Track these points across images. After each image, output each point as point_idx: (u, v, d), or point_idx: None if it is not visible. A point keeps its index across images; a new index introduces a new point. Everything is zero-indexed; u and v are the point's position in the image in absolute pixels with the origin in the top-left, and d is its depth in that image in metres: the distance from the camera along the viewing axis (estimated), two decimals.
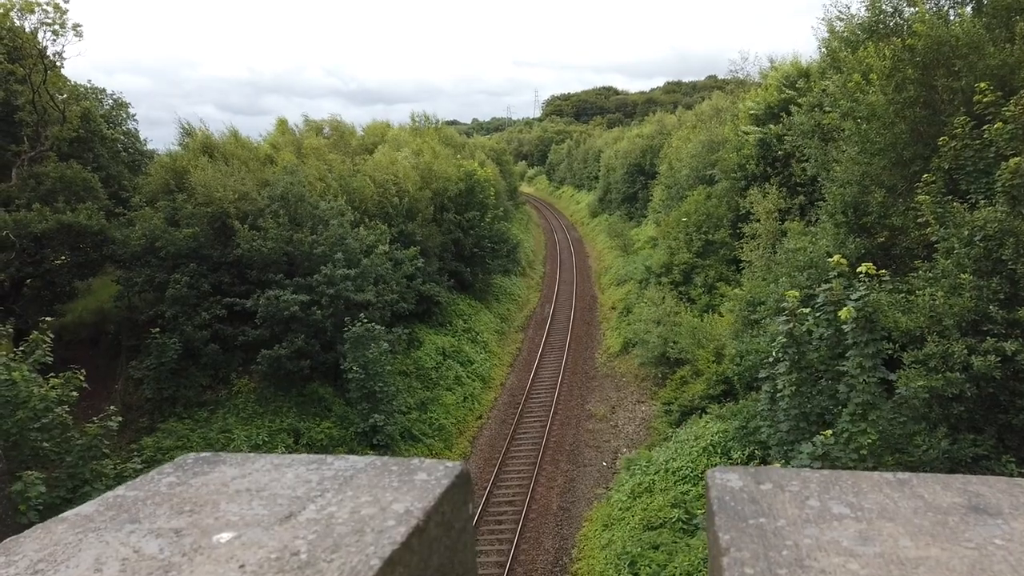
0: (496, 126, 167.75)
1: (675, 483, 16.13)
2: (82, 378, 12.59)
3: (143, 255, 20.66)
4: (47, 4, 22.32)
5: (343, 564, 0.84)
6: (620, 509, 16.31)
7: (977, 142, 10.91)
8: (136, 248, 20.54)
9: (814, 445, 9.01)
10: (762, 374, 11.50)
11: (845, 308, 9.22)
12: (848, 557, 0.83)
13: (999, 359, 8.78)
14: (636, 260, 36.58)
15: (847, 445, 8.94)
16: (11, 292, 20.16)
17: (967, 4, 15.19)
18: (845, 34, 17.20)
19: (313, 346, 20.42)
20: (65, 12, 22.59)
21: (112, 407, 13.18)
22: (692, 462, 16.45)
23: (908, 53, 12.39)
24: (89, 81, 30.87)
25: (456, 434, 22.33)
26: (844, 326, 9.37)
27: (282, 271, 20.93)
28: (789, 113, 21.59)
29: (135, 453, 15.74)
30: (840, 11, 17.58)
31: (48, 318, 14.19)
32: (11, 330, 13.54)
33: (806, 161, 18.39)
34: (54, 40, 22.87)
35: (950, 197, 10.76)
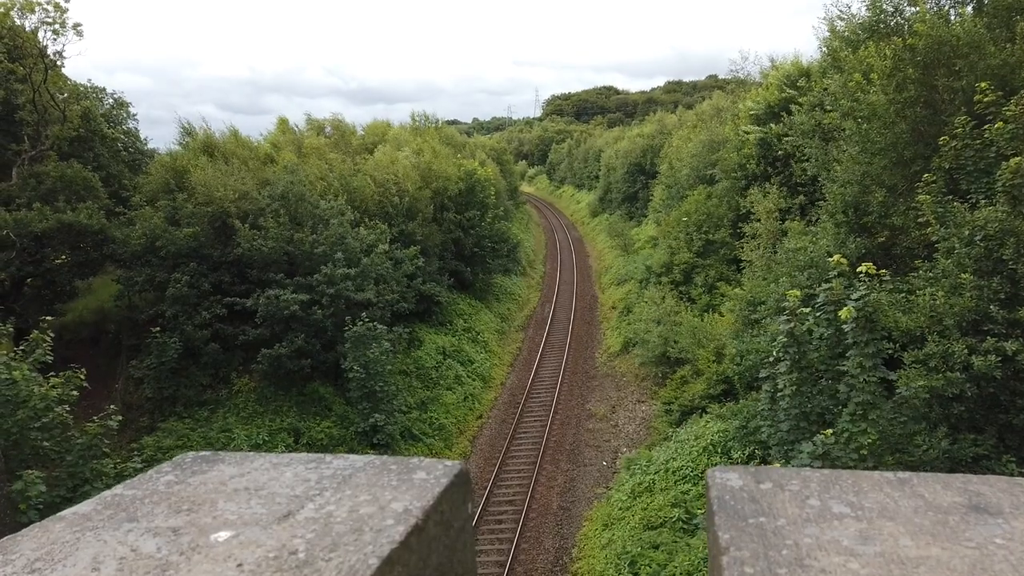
0: (497, 126, 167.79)
1: (675, 483, 16.13)
2: (82, 377, 12.59)
3: (143, 254, 20.67)
4: (47, 3, 22.33)
5: (341, 563, 0.84)
6: (620, 509, 16.31)
7: (978, 142, 10.91)
8: (136, 247, 20.56)
9: (814, 445, 9.01)
10: (762, 374, 11.50)
11: (845, 308, 9.22)
12: (848, 556, 0.82)
13: (999, 359, 8.77)
14: (636, 260, 36.58)
15: (847, 445, 8.94)
16: (11, 291, 20.17)
17: (968, 4, 15.18)
18: (846, 33, 17.19)
19: (313, 345, 20.43)
20: (65, 11, 22.60)
21: (112, 406, 13.17)
22: (692, 462, 16.45)
23: (909, 53, 12.39)
24: (89, 80, 30.86)
25: (456, 433, 22.33)
26: (844, 326, 9.37)
27: (282, 270, 20.93)
28: (790, 113, 21.59)
29: (135, 452, 15.73)
30: (841, 11, 17.59)
31: (48, 317, 14.21)
32: (11, 329, 13.55)
33: (806, 161, 18.38)
34: (54, 39, 22.89)
35: (951, 197, 10.75)
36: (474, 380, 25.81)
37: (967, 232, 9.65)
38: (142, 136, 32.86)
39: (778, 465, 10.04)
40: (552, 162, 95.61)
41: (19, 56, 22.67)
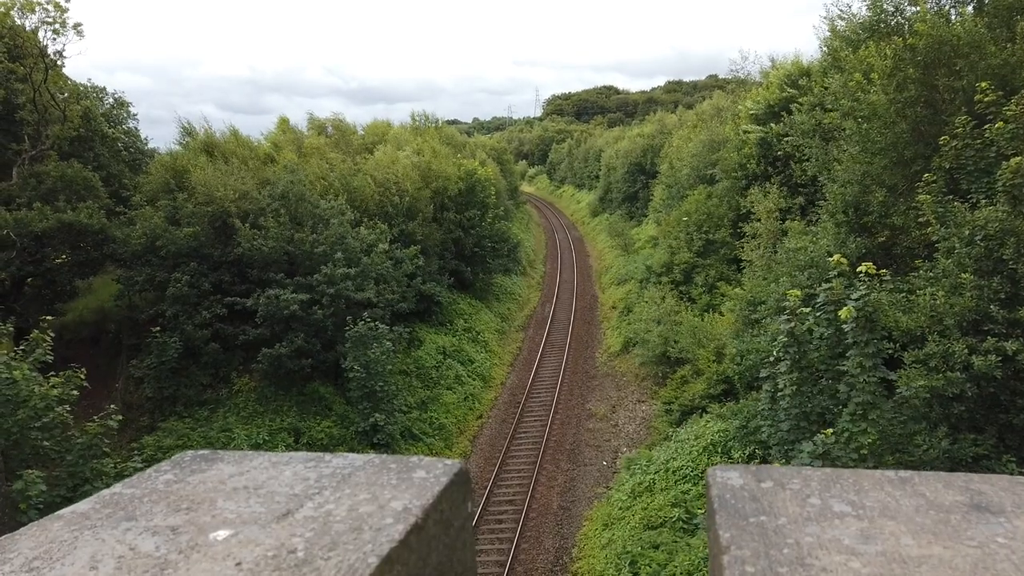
0: (497, 125, 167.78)
1: (675, 482, 16.13)
2: (82, 377, 12.60)
3: (144, 254, 20.67)
4: (48, 3, 22.34)
5: (340, 562, 0.84)
6: (620, 508, 16.31)
7: (978, 142, 10.90)
8: (137, 247, 20.56)
9: (815, 444, 9.00)
10: (763, 373, 11.49)
11: (845, 308, 9.22)
12: (850, 555, 0.82)
13: (1000, 359, 8.77)
14: (637, 259, 36.56)
15: (847, 444, 8.93)
16: (12, 291, 20.18)
17: (968, 3, 15.18)
18: (847, 33, 17.19)
19: (313, 345, 20.43)
20: (66, 11, 22.62)
21: (112, 406, 13.18)
22: (692, 461, 16.44)
23: (909, 52, 12.38)
24: (90, 80, 30.89)
25: (456, 433, 22.32)
26: (844, 326, 9.36)
27: (282, 270, 20.94)
28: (790, 112, 21.58)
29: (135, 452, 15.74)
30: (841, 10, 17.59)
31: (49, 317, 14.21)
32: (12, 329, 13.56)
33: (806, 161, 18.39)
34: (55, 39, 22.91)
35: (951, 197, 10.75)
36: (474, 380, 25.81)
37: (967, 232, 9.65)
38: (142, 136, 32.95)
39: (778, 465, 10.03)
40: (552, 162, 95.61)
41: (19, 56, 22.68)
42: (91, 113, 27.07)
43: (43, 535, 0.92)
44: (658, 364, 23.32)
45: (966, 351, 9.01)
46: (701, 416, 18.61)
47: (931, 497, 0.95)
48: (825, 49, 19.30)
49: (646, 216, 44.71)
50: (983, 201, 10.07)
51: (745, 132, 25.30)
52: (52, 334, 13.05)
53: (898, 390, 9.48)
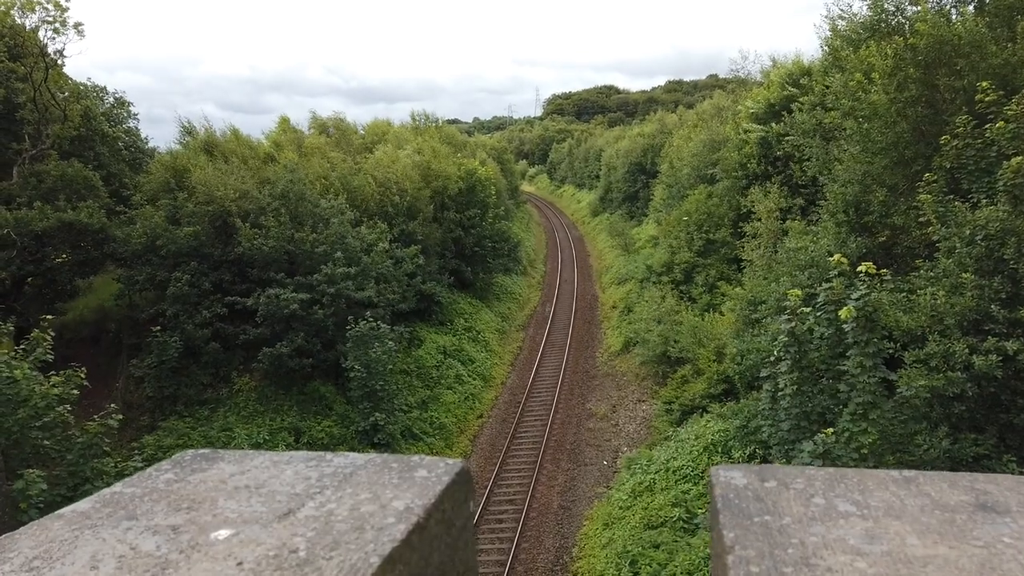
0: (497, 125, 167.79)
1: (676, 482, 16.13)
2: (83, 376, 12.61)
3: (144, 253, 20.68)
4: (48, 2, 22.36)
5: (342, 562, 0.83)
6: (621, 508, 16.31)
7: (979, 141, 10.90)
8: (137, 246, 20.56)
9: (815, 444, 9.00)
10: (763, 373, 11.49)
11: (846, 307, 9.21)
12: (855, 555, 0.82)
13: (1000, 358, 8.77)
14: (637, 259, 36.56)
15: (848, 444, 8.93)
16: (12, 290, 20.19)
17: (969, 3, 15.16)
18: (847, 33, 17.17)
19: (314, 344, 20.44)
20: (66, 10, 22.65)
21: (113, 405, 13.19)
22: (693, 461, 16.44)
23: (910, 52, 12.38)
24: (90, 79, 30.91)
25: (457, 433, 22.33)
26: (845, 325, 9.36)
27: (283, 270, 20.94)
28: (791, 112, 21.57)
29: (136, 451, 15.75)
30: (842, 10, 17.57)
31: (49, 316, 14.21)
32: (12, 328, 13.57)
33: (807, 161, 18.38)
34: (55, 38, 22.95)
35: (952, 196, 10.74)
36: (475, 379, 25.81)
37: (968, 231, 9.65)
38: (143, 135, 32.98)
39: (780, 464, 10.03)
40: (553, 161, 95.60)
41: (20, 55, 22.70)
42: (91, 112, 27.09)
43: (43, 534, 0.92)
44: (658, 364, 23.32)
45: (967, 351, 9.01)
46: (701, 416, 18.61)
47: (936, 497, 0.94)
48: (826, 49, 19.27)
49: (646, 216, 44.71)
50: (984, 201, 10.07)
51: (745, 132, 25.29)
52: (52, 333, 13.06)
53: (899, 390, 9.47)
